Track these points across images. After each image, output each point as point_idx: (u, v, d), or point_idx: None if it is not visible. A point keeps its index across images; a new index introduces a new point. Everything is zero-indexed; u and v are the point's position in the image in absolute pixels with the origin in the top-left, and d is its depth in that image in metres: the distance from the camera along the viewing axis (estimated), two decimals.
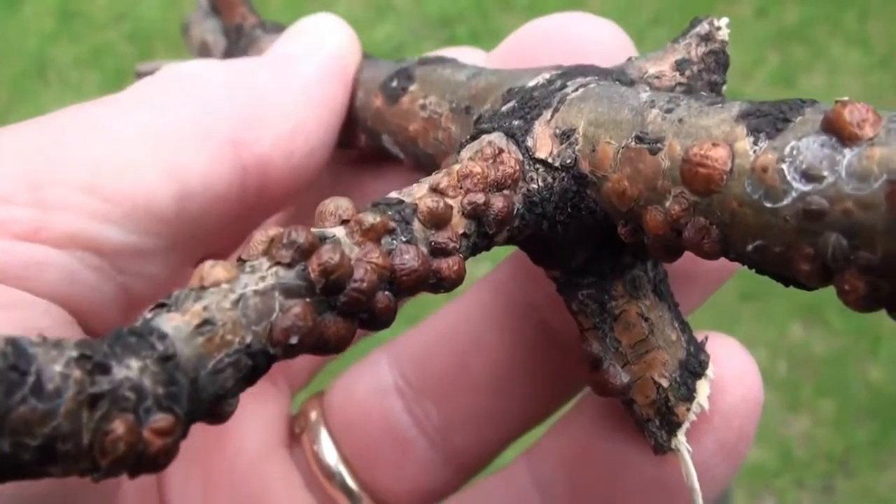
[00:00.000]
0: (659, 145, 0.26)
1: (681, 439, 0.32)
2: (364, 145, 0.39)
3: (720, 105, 0.26)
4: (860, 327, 1.46)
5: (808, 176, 0.23)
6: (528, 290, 0.37)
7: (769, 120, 0.25)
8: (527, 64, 0.36)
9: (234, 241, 0.43)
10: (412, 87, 0.36)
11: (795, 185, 0.23)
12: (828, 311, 1.46)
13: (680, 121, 0.26)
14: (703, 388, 0.32)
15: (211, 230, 0.34)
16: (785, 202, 0.23)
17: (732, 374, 0.33)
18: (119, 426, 0.21)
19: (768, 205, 0.24)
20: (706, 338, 0.33)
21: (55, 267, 0.29)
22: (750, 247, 0.25)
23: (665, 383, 0.31)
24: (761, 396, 0.33)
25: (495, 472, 0.38)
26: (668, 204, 0.26)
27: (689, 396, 0.31)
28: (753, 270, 0.26)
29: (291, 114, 0.35)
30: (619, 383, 0.31)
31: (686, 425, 0.32)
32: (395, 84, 0.37)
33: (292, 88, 0.36)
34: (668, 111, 0.27)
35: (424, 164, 0.36)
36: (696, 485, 0.31)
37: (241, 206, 0.34)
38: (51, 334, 0.28)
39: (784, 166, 0.23)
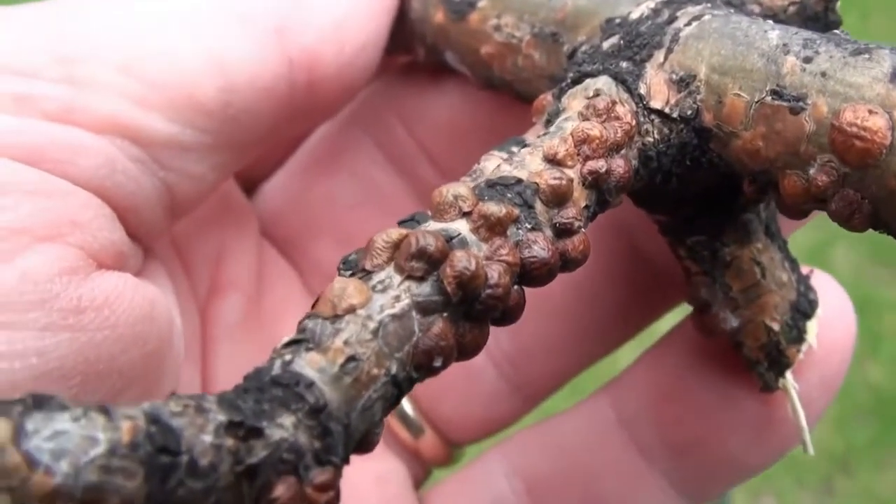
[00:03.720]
0: (801, 104, 0.24)
1: (789, 379, 0.31)
2: (423, 59, 0.36)
3: (867, 56, 0.24)
4: (860, 327, 1.41)
5: None
6: (616, 209, 0.35)
7: None
8: None
9: (285, 147, 0.40)
10: (481, 3, 0.33)
11: None
12: None
13: (823, 74, 0.24)
14: (811, 328, 0.31)
15: (259, 130, 0.31)
16: None
17: (833, 309, 0.32)
18: (283, 492, 0.19)
19: None
20: (811, 271, 0.32)
21: (93, 152, 0.26)
22: None
23: (776, 327, 0.30)
24: (855, 330, 0.33)
25: (574, 406, 0.37)
26: (812, 172, 0.24)
27: (800, 338, 0.31)
28: None
29: (339, 4, 0.32)
30: (728, 328, 0.30)
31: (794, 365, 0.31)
32: None
33: None
34: (807, 60, 0.24)
35: (498, 87, 0.34)
36: (804, 423, 0.31)
37: (290, 104, 0.31)
38: (91, 228, 0.26)
39: None
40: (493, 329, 0.38)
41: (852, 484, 1.33)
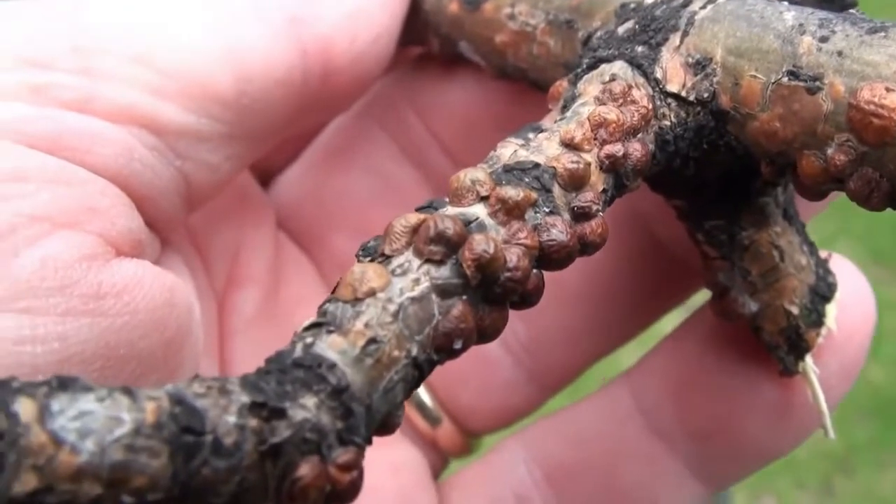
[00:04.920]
0: (818, 84, 0.24)
1: (809, 363, 0.31)
2: (438, 51, 0.36)
3: (883, 34, 0.24)
4: None
5: None
6: (632, 197, 0.35)
7: None
8: None
9: (301, 140, 0.41)
10: None
11: None
12: None
13: (840, 54, 0.24)
14: (831, 312, 0.31)
15: (273, 120, 0.31)
16: None
17: (851, 293, 0.32)
18: (307, 472, 0.19)
19: None
20: (830, 255, 0.32)
21: (110, 141, 0.27)
22: None
23: (795, 311, 0.30)
24: (875, 315, 0.33)
25: (593, 394, 0.37)
26: (830, 151, 0.24)
27: (819, 321, 0.30)
28: None
29: None
30: (748, 312, 0.30)
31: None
32: None
33: None
34: (823, 40, 0.24)
35: (513, 76, 0.34)
36: (825, 407, 0.31)
37: (304, 95, 0.31)
38: (110, 216, 0.26)
39: None
40: (509, 319, 0.39)
41: (852, 484, 1.32)
